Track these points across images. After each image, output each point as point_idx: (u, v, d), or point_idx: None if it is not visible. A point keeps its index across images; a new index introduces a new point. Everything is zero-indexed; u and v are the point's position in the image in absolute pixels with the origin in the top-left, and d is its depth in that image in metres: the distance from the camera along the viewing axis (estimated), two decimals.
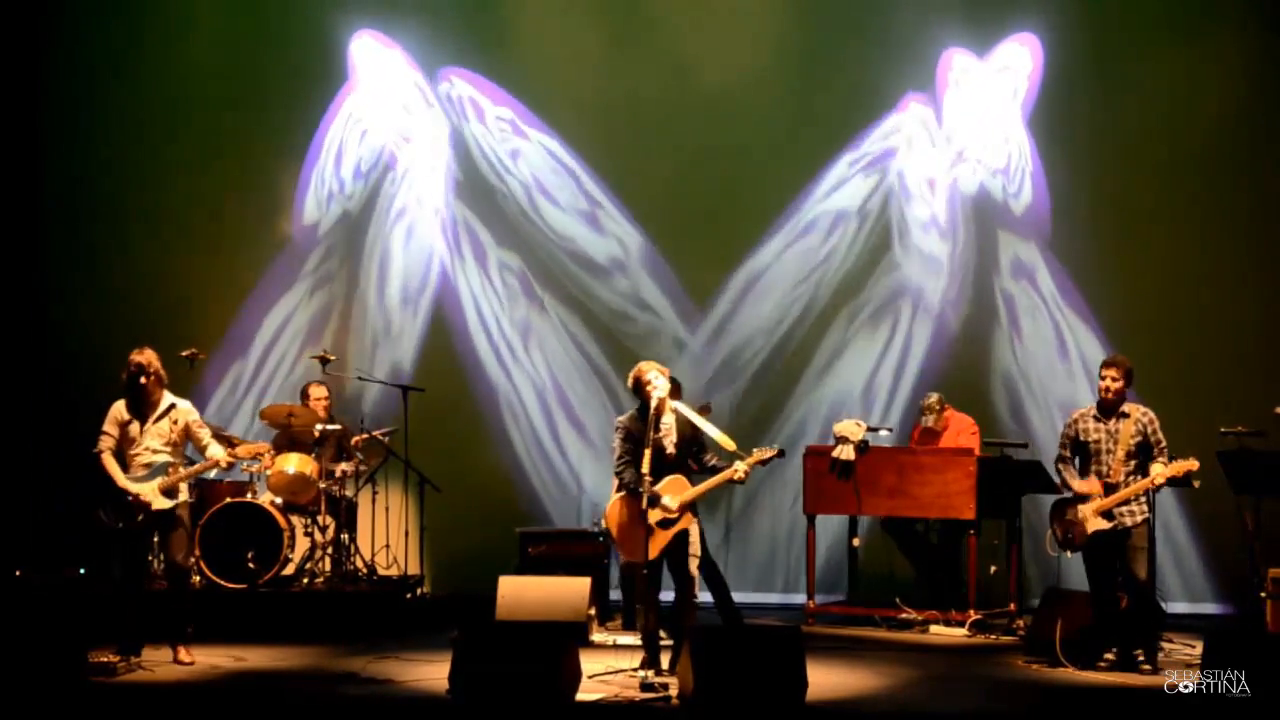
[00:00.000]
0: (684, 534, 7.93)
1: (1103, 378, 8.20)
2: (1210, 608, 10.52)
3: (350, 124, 11.80)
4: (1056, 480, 8.44)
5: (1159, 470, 7.99)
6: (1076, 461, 8.26)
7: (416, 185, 11.77)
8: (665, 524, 7.88)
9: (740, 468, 7.91)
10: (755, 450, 8.03)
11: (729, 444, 7.96)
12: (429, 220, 11.75)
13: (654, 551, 7.86)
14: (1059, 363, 11.26)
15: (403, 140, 11.78)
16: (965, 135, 11.43)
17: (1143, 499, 8.11)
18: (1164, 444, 8.09)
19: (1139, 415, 8.13)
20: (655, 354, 10.23)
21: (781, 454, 8.16)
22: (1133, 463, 8.07)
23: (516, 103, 11.72)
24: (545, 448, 11.67)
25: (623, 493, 7.98)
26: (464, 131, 11.73)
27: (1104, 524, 8.06)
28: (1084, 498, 8.11)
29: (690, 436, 8.04)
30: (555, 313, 11.64)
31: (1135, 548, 8.04)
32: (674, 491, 7.90)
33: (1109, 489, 8.07)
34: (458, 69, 11.76)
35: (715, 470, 8.04)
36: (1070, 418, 8.35)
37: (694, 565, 7.96)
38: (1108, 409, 8.17)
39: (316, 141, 11.78)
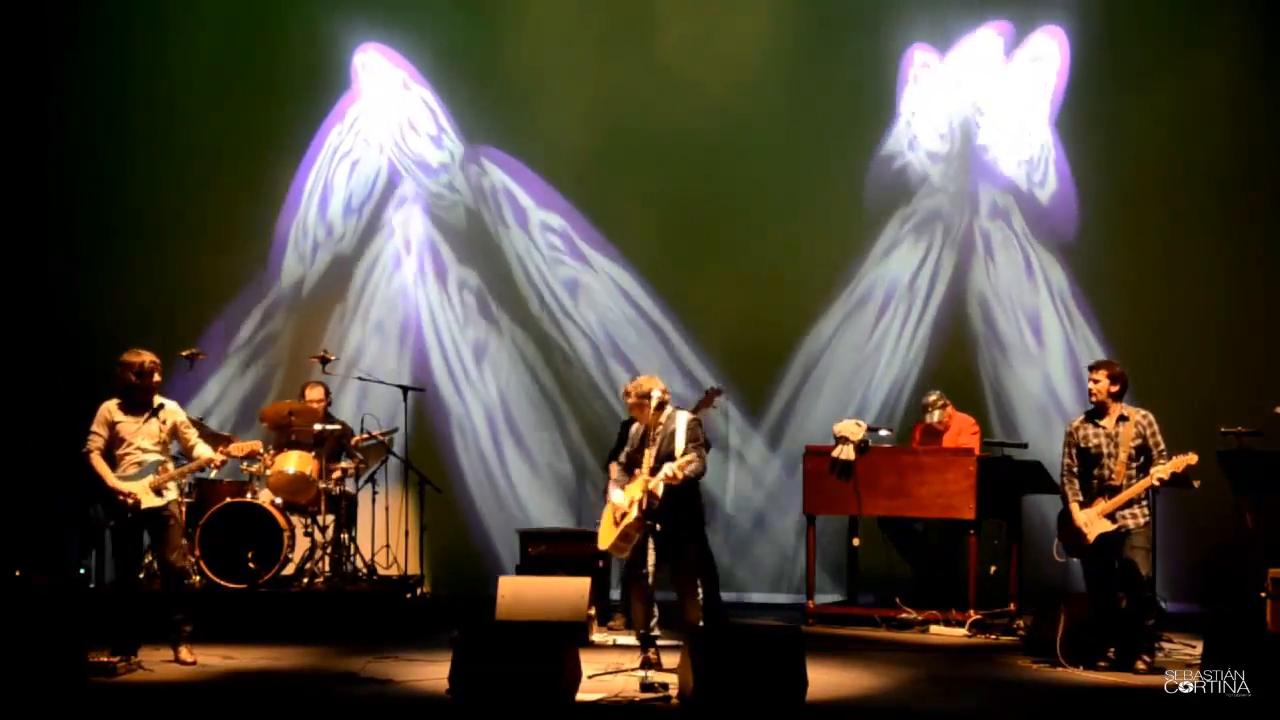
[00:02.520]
0: (667, 534, 7.97)
1: (1090, 380, 8.28)
2: (1210, 608, 10.51)
3: (350, 136, 11.87)
4: (1061, 494, 8.41)
5: (1158, 469, 8.01)
6: (1077, 469, 8.26)
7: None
8: (626, 524, 8.03)
9: (665, 470, 7.92)
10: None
11: (677, 452, 8.01)
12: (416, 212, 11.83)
13: (620, 550, 8.13)
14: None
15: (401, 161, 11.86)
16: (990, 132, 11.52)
17: (1145, 502, 8.13)
18: (1162, 447, 8.11)
19: (1139, 418, 8.15)
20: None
21: (700, 461, 8.06)
22: (1134, 466, 8.09)
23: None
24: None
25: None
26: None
27: (1108, 526, 8.08)
28: (1076, 525, 8.16)
29: (669, 446, 8.09)
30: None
31: (1136, 548, 8.06)
32: (631, 491, 8.06)
33: (1111, 492, 8.08)
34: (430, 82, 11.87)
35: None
36: (1068, 428, 8.39)
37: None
38: (1100, 411, 8.20)
39: (316, 144, 11.83)
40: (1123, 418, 8.15)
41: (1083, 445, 8.21)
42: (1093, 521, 8.12)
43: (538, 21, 11.79)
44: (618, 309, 11.70)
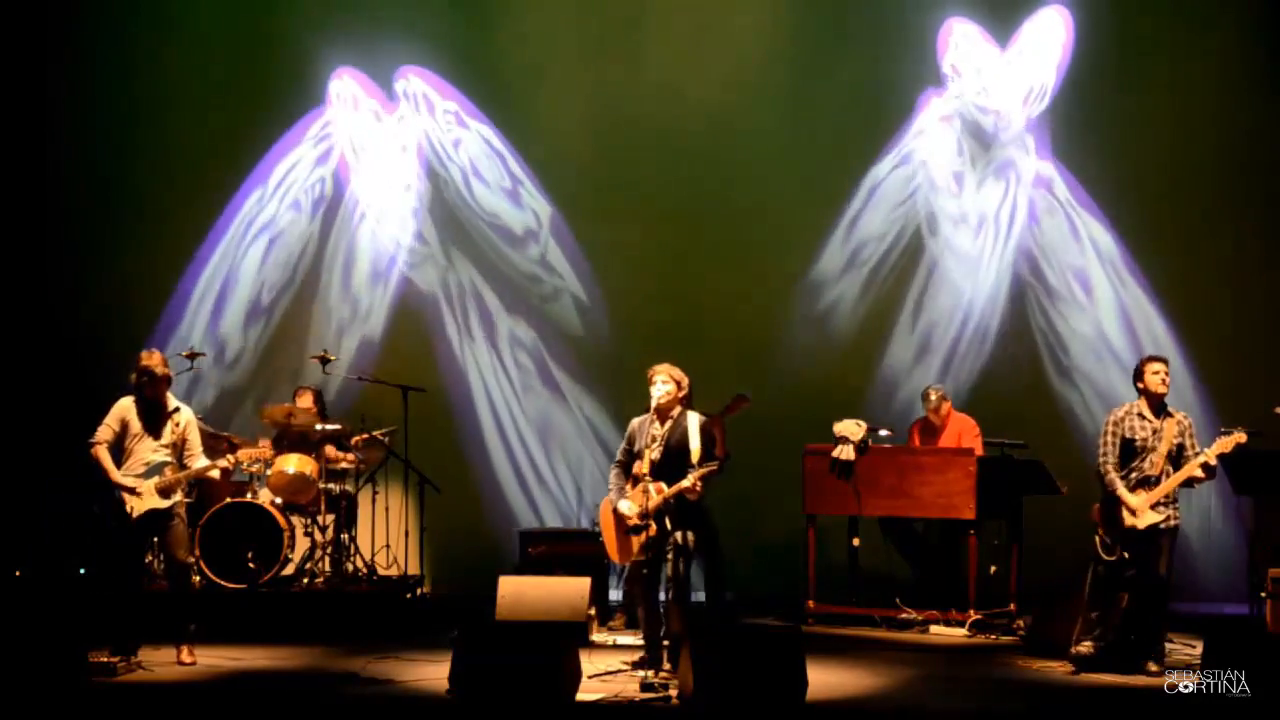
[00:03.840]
0: (660, 540, 7.87)
1: (1156, 372, 8.10)
2: (1210, 608, 10.51)
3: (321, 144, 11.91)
4: (1102, 483, 8.16)
5: (1211, 449, 7.93)
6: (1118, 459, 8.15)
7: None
8: (634, 530, 7.90)
9: (685, 481, 7.80)
10: (701, 464, 7.89)
11: (694, 455, 7.88)
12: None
13: (623, 554, 8.03)
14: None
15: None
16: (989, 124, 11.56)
17: (1177, 503, 8.09)
18: (1196, 449, 8.06)
19: (1180, 418, 8.11)
20: None
21: (722, 464, 7.95)
22: (1169, 463, 8.03)
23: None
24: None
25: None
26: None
27: (1157, 517, 7.97)
28: (1129, 507, 8.01)
29: (680, 445, 7.94)
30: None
31: (1164, 547, 8.01)
32: (638, 499, 7.89)
33: (1150, 483, 8.00)
34: (416, 69, 11.86)
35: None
36: (1113, 417, 8.20)
37: (671, 570, 7.84)
38: (1160, 406, 8.10)
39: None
40: (1168, 414, 8.11)
41: (1128, 436, 8.07)
42: (1143, 513, 7.99)
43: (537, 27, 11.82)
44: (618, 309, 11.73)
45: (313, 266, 11.84)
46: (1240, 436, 7.97)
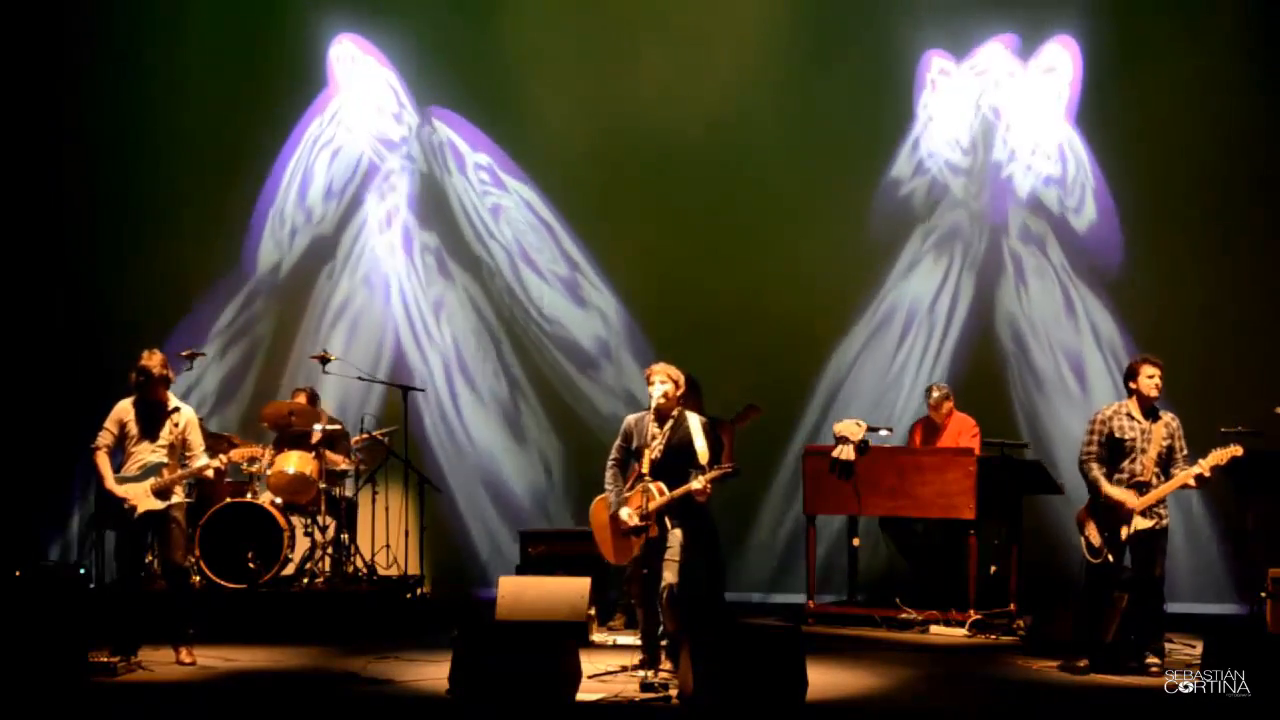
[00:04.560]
0: (660, 540, 7.86)
1: (1151, 376, 8.04)
2: (1210, 608, 10.52)
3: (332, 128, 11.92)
4: (1085, 479, 8.13)
5: (1204, 461, 7.89)
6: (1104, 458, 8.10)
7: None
8: (632, 531, 7.89)
9: (695, 483, 7.77)
10: (714, 468, 7.87)
11: (703, 457, 7.85)
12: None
13: (619, 555, 8.01)
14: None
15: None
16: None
17: (1166, 502, 8.06)
18: (1185, 451, 8.04)
19: (1169, 419, 8.07)
20: None
21: (735, 472, 7.96)
22: (1158, 466, 8.01)
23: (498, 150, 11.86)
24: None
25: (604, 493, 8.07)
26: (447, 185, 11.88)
27: (1148, 522, 7.94)
28: (1113, 501, 7.97)
29: (681, 445, 7.91)
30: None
31: (1160, 549, 7.99)
32: (636, 500, 7.88)
33: (1141, 488, 7.97)
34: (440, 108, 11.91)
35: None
36: (1100, 415, 8.13)
37: (669, 573, 7.81)
38: (1151, 409, 8.07)
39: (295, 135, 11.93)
40: (1157, 415, 8.08)
41: (1116, 435, 8.01)
42: (1132, 500, 7.93)
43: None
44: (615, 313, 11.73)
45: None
46: (1236, 450, 7.92)
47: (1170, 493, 7.98)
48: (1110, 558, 7.98)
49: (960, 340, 11.44)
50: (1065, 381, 11.22)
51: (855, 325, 11.55)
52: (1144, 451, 7.99)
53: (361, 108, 11.92)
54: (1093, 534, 8.02)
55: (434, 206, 11.87)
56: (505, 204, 11.83)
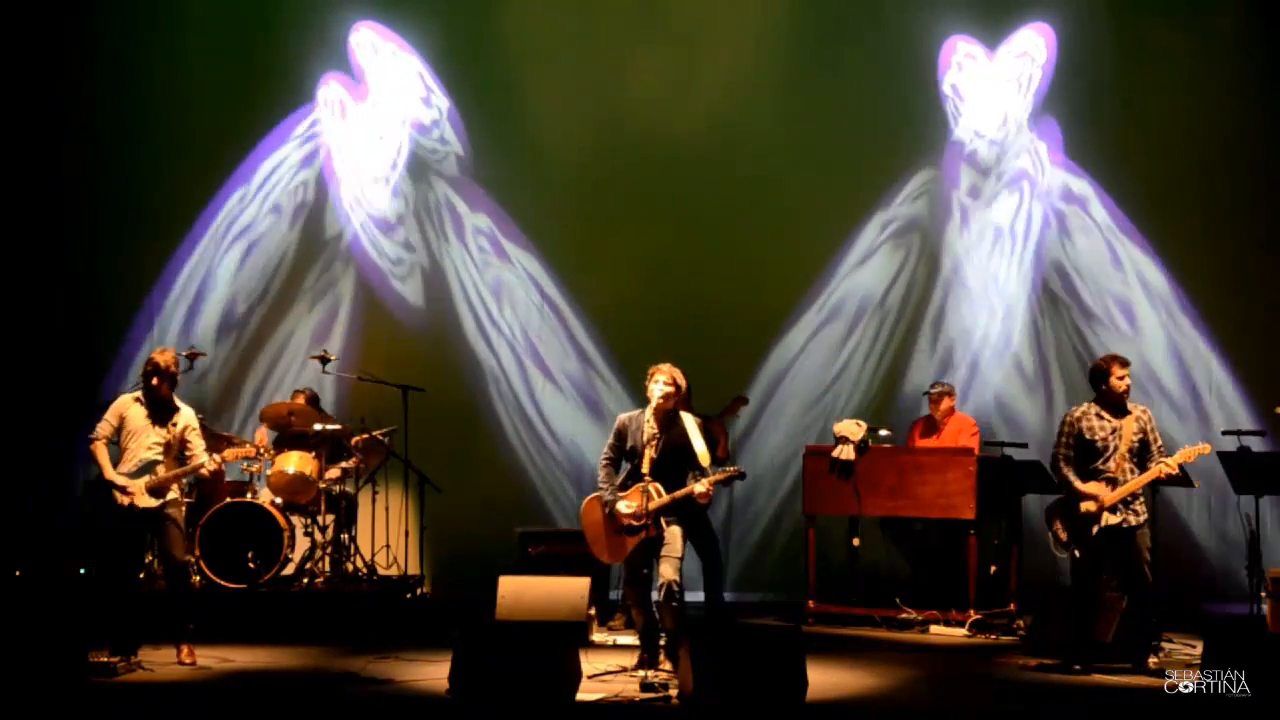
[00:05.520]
0: (656, 540, 7.85)
1: (1122, 377, 8.07)
2: (1210, 608, 10.52)
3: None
4: (1057, 479, 8.25)
5: (1172, 458, 7.93)
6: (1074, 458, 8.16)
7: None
8: (629, 530, 7.89)
9: (699, 486, 7.78)
10: (717, 469, 7.88)
11: (704, 458, 7.87)
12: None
13: (613, 554, 7.98)
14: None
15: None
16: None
17: (1143, 499, 8.08)
18: (1161, 443, 8.08)
19: (1139, 413, 8.09)
20: None
21: (742, 475, 7.98)
22: (1132, 461, 8.04)
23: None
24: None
25: (596, 492, 8.05)
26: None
27: (1114, 518, 7.97)
28: (1086, 497, 8.04)
29: (678, 446, 7.92)
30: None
31: (1141, 548, 8.00)
32: (635, 499, 7.88)
33: (1115, 484, 7.99)
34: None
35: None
36: (1069, 416, 8.20)
37: (668, 569, 7.79)
38: (1120, 407, 8.09)
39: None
40: (1126, 411, 8.10)
41: (1087, 436, 8.05)
42: (1103, 495, 7.95)
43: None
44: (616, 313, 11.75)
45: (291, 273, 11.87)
46: (1204, 448, 8.00)
47: (1141, 487, 7.99)
48: (1077, 553, 8.02)
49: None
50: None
51: (854, 320, 11.60)
52: (1115, 449, 8.02)
53: (362, 106, 11.93)
54: (1059, 529, 8.09)
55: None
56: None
